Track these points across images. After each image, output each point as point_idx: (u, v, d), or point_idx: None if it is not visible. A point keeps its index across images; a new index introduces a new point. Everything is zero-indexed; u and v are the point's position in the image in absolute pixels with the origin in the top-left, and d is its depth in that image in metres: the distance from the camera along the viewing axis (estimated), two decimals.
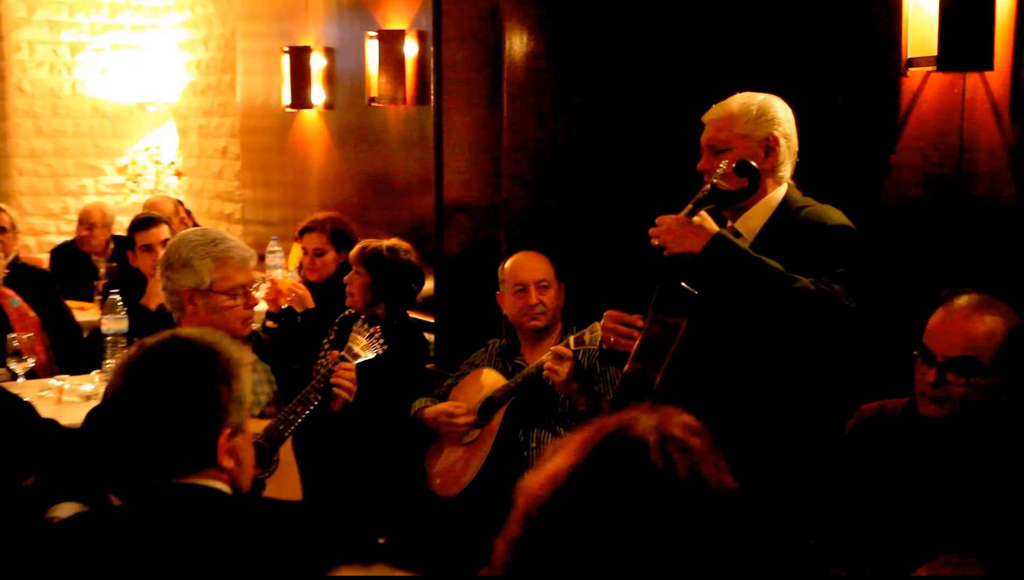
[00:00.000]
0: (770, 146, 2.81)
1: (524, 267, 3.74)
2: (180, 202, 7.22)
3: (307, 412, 3.12)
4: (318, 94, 6.38)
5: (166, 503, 1.85)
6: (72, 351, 4.72)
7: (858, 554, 2.47)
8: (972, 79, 3.07)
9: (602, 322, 3.04)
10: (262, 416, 3.19)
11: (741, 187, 2.72)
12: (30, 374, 4.27)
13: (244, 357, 1.97)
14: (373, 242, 4.25)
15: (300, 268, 5.09)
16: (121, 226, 6.26)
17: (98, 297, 5.45)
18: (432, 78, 5.01)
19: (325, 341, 4.20)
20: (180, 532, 1.81)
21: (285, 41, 6.66)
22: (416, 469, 3.82)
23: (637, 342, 2.82)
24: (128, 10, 8.81)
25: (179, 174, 8.88)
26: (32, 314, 4.62)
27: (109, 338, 4.26)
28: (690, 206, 2.70)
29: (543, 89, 4.19)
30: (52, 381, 4.23)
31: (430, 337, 4.79)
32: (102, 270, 5.89)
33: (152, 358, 1.92)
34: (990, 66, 2.99)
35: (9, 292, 4.60)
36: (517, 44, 4.28)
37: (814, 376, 2.76)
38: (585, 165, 4.15)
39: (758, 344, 2.72)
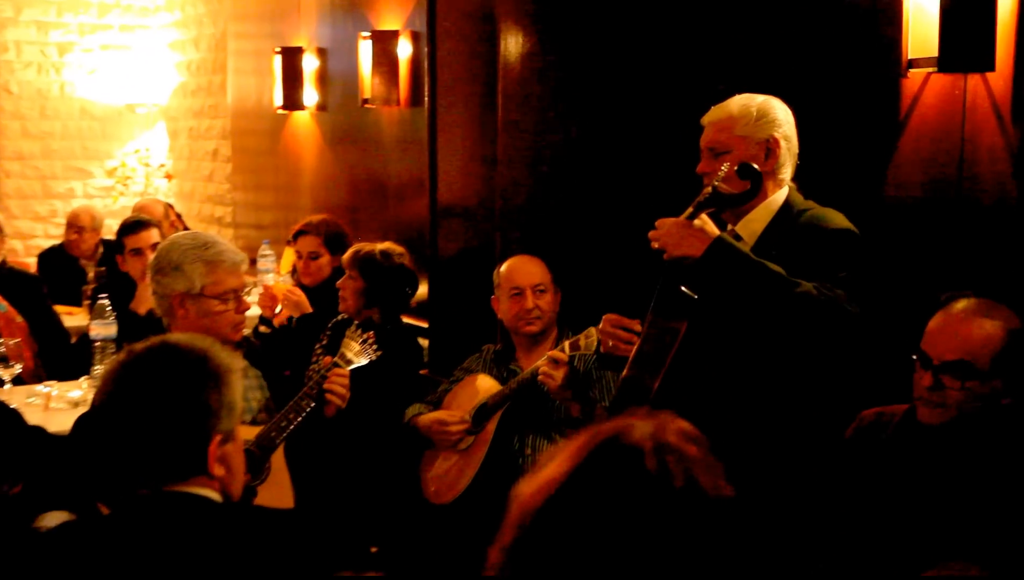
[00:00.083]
0: (770, 148, 2.81)
1: (520, 271, 3.75)
2: (170, 205, 7.22)
3: (299, 419, 3.12)
4: (310, 95, 6.38)
5: (155, 512, 1.85)
6: (60, 357, 4.71)
7: (859, 563, 2.47)
8: (973, 80, 3.07)
9: (600, 326, 3.05)
10: (253, 423, 3.19)
11: (743, 190, 2.72)
12: (17, 380, 4.26)
13: (235, 363, 1.96)
14: (366, 246, 4.25)
15: (293, 272, 5.09)
16: (110, 230, 6.25)
17: (86, 302, 5.45)
18: (426, 79, 5.01)
19: (317, 346, 4.20)
20: (170, 541, 1.81)
21: (277, 42, 6.66)
22: (410, 476, 3.82)
23: (635, 347, 2.82)
24: (117, 10, 8.81)
25: (169, 177, 8.87)
26: (19, 319, 4.61)
27: (98, 344, 4.26)
28: (691, 209, 2.70)
29: (539, 90, 4.19)
30: (40, 387, 4.23)
31: (424, 342, 4.79)
32: (90, 274, 5.88)
33: (141, 364, 1.92)
34: (991, 67, 2.99)
35: None
36: (512, 44, 4.28)
37: (815, 382, 2.76)
38: (582, 167, 4.15)
39: (759, 350, 2.72)
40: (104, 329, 4.26)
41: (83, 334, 4.54)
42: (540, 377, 3.43)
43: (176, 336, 2.04)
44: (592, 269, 4.02)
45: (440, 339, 4.92)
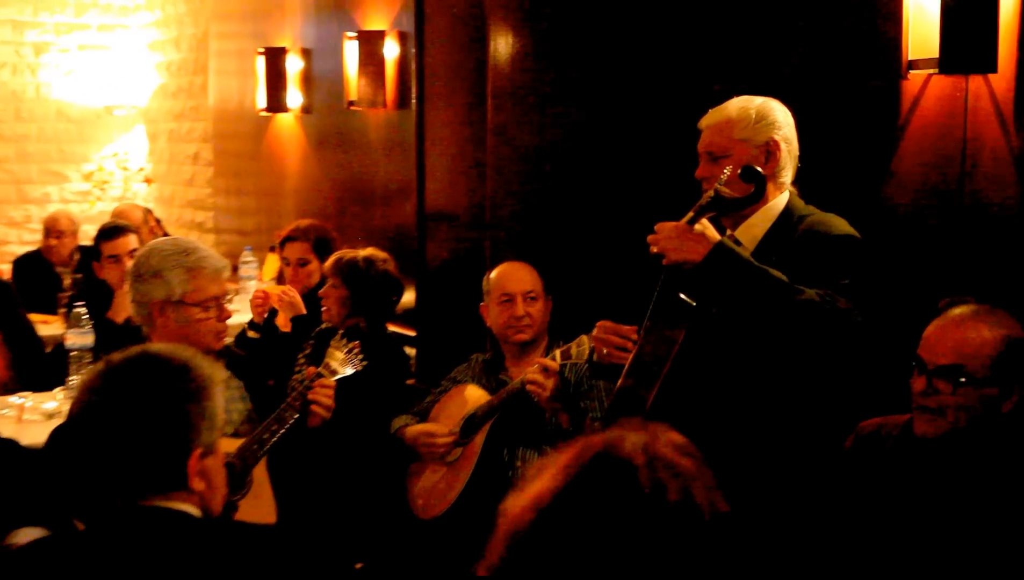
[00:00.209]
0: (770, 151, 2.81)
1: (510, 277, 3.75)
2: (149, 210, 7.20)
3: (282, 431, 3.11)
4: (294, 97, 6.38)
5: (133, 527, 1.84)
6: (34, 367, 4.69)
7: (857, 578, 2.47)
8: (975, 82, 3.08)
9: (594, 333, 3.04)
10: (235, 435, 3.18)
11: (746, 194, 2.71)
12: None
13: (216, 374, 1.96)
14: (349, 253, 4.24)
15: (279, 279, 5.08)
16: (87, 236, 6.24)
17: (62, 310, 5.42)
18: (414, 81, 5.02)
19: (301, 356, 4.19)
20: (147, 558, 1.80)
21: (260, 42, 6.66)
22: (396, 490, 3.81)
23: (631, 355, 2.82)
24: (95, 9, 8.80)
25: (148, 181, 8.86)
26: None
27: (74, 353, 4.24)
28: (691, 213, 2.70)
29: (530, 92, 4.19)
30: (13, 399, 4.21)
31: (411, 351, 4.79)
32: (66, 282, 5.86)
33: (119, 375, 1.91)
34: (994, 68, 3.00)
35: None
36: (502, 45, 4.28)
37: (816, 392, 2.76)
38: (574, 172, 4.16)
39: (759, 359, 2.72)
40: (80, 338, 4.24)
41: (58, 343, 4.51)
42: (528, 386, 3.42)
43: (156, 346, 2.03)
44: (584, 276, 4.02)
45: (427, 348, 4.91)
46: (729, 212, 2.77)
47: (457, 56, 4.78)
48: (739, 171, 2.70)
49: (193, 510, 1.88)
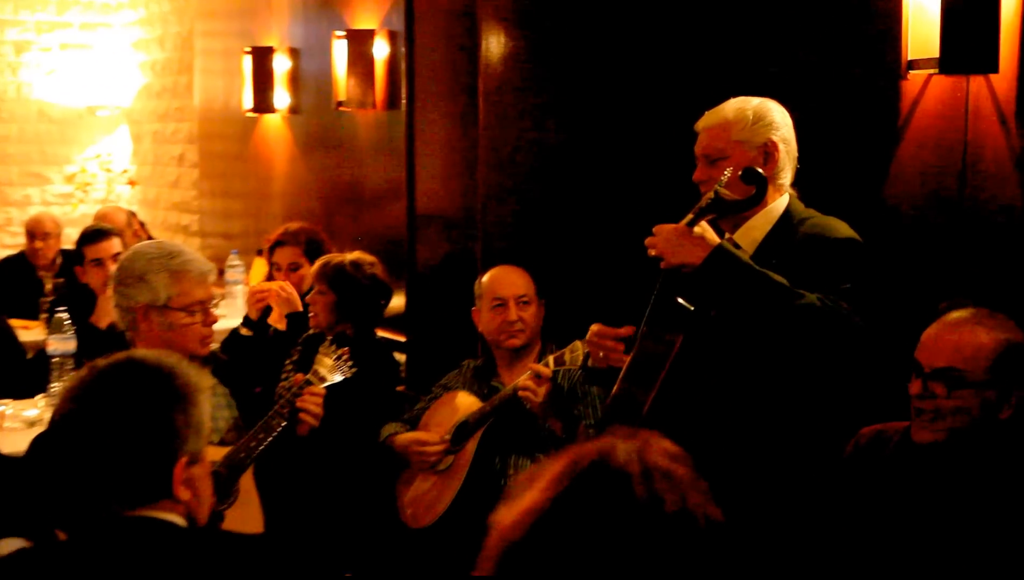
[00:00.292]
0: (769, 152, 2.81)
1: (503, 281, 3.75)
2: (133, 213, 7.19)
3: (270, 439, 3.10)
4: (282, 98, 6.37)
5: (117, 537, 1.83)
6: (15, 373, 4.68)
7: None
8: (976, 82, 3.09)
9: (588, 338, 3.04)
10: (222, 443, 3.18)
11: (747, 196, 2.71)
12: None
13: (203, 380, 1.95)
14: (335, 257, 4.23)
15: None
16: (69, 239, 6.22)
17: (44, 315, 5.41)
18: (404, 81, 5.01)
19: (288, 362, 4.18)
20: (131, 569, 1.79)
21: (246, 41, 6.65)
22: (386, 499, 3.81)
23: (627, 361, 2.81)
24: (77, 7, 8.79)
25: (132, 183, 8.84)
26: None
27: (55, 359, 4.23)
28: (690, 215, 2.70)
29: (522, 92, 4.20)
30: None
31: (401, 357, 4.78)
32: (48, 286, 5.85)
33: (103, 381, 1.91)
34: (995, 68, 3.01)
35: None
36: (494, 45, 4.28)
37: (816, 398, 2.76)
38: (567, 174, 4.16)
39: (759, 364, 2.72)
40: (62, 344, 4.23)
41: (40, 349, 4.50)
42: (521, 393, 3.42)
43: (141, 352, 2.03)
44: (578, 280, 4.02)
45: (417, 354, 4.90)
46: (730, 214, 2.77)
47: (448, 56, 4.78)
48: (740, 172, 2.70)
49: (179, 520, 1.88)
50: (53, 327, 4.28)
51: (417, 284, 4.94)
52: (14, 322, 5.30)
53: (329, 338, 3.97)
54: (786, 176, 2.85)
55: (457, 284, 4.34)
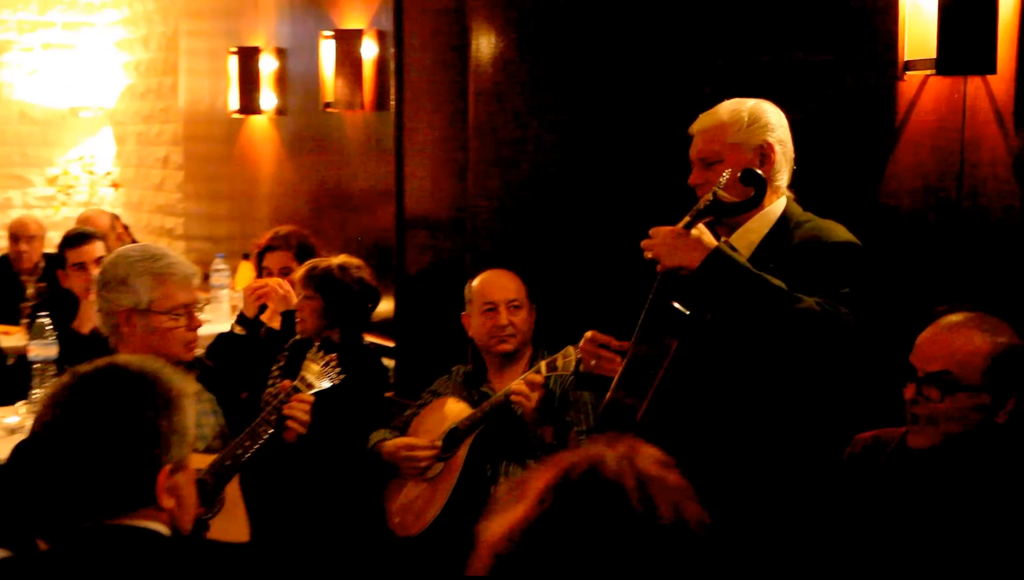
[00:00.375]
0: (765, 154, 2.82)
1: (493, 285, 3.74)
2: (116, 216, 7.17)
3: (256, 447, 3.10)
4: (268, 99, 6.36)
5: (98, 547, 1.82)
6: None
7: None
8: (974, 83, 3.10)
9: (581, 344, 3.04)
10: (207, 451, 3.17)
11: (746, 197, 2.71)
12: None
13: (187, 386, 1.95)
14: (322, 261, 4.22)
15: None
16: (51, 242, 6.21)
17: (25, 320, 5.40)
18: (392, 81, 5.01)
19: (275, 367, 4.17)
20: (113, 579, 1.78)
21: (232, 41, 6.64)
22: (374, 507, 3.80)
23: (621, 367, 2.81)
24: (60, 6, 8.77)
25: (115, 186, 8.83)
26: None
27: (37, 365, 4.22)
28: (688, 218, 2.70)
29: (513, 93, 4.20)
30: None
31: (389, 363, 4.78)
32: (30, 290, 5.83)
33: (85, 387, 1.90)
34: (993, 69, 3.02)
35: None
36: (485, 45, 4.28)
37: (814, 403, 2.76)
38: (559, 176, 4.16)
39: (755, 369, 2.72)
40: (44, 350, 4.22)
41: (21, 355, 4.49)
42: (513, 398, 3.42)
43: (124, 357, 2.02)
44: (570, 284, 4.02)
45: (406, 359, 4.90)
46: (728, 216, 2.77)
47: (438, 56, 4.78)
48: (739, 174, 2.70)
49: (162, 529, 1.87)
50: (34, 332, 4.27)
51: (406, 288, 4.94)
52: None
53: (317, 344, 3.96)
54: (783, 178, 2.86)
55: (447, 288, 4.34)
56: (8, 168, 8.70)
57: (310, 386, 3.22)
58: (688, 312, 2.73)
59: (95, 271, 3.27)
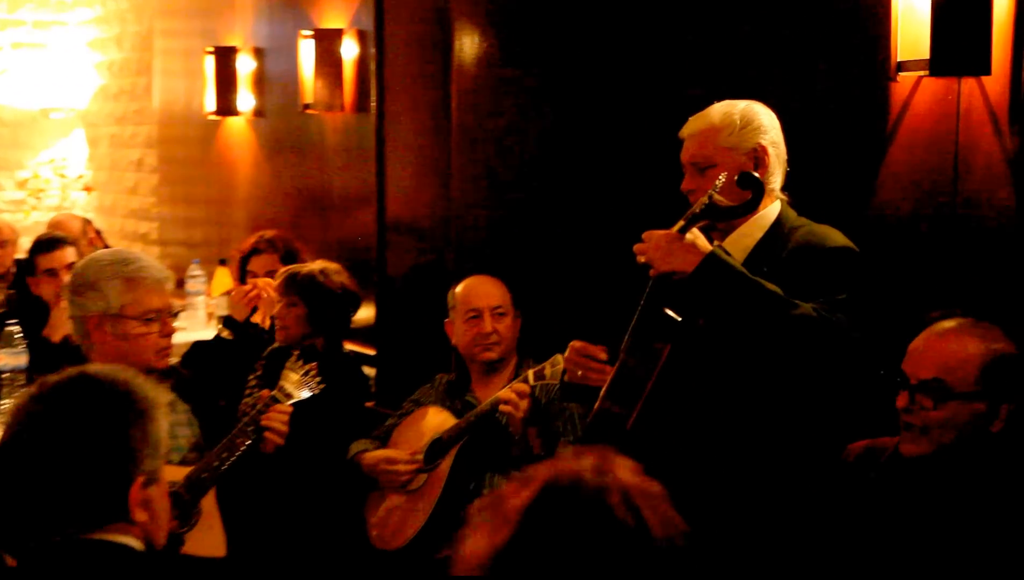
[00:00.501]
0: (758, 157, 2.82)
1: (477, 292, 3.74)
2: (88, 221, 7.14)
3: (233, 459, 3.09)
4: (246, 100, 6.35)
5: (69, 562, 1.82)
6: None
7: None
8: (968, 84, 3.11)
9: (567, 354, 3.04)
10: (182, 463, 3.16)
11: (743, 201, 2.72)
12: None
13: (160, 396, 1.95)
14: (302, 267, 4.21)
15: (229, 295, 5.03)
16: (22, 248, 6.18)
17: None
18: (373, 82, 5.01)
19: (252, 376, 4.16)
20: None
21: (208, 40, 6.63)
22: (354, 520, 3.79)
23: (611, 375, 2.81)
24: (30, 4, 8.74)
25: (88, 189, 8.80)
26: None
27: (6, 375, 4.20)
28: (682, 222, 2.70)
29: (497, 95, 4.20)
30: None
31: (370, 371, 4.76)
32: None
33: (55, 397, 1.90)
34: (987, 70, 3.03)
35: None
36: (468, 45, 4.28)
37: (809, 411, 2.77)
38: (545, 179, 4.16)
39: (748, 376, 2.72)
40: (13, 358, 4.20)
41: None
42: (502, 406, 3.42)
43: (94, 367, 2.01)
44: (556, 290, 4.02)
45: (388, 368, 4.89)
46: (724, 220, 2.77)
47: (420, 57, 4.78)
48: (736, 177, 2.70)
49: (135, 543, 1.86)
50: (3, 341, 4.24)
51: (387, 295, 4.93)
52: None
53: (296, 353, 3.95)
54: (776, 181, 2.86)
55: (429, 295, 4.33)
56: None
57: (289, 396, 3.22)
58: (680, 318, 2.72)
59: (66, 277, 3.26)
